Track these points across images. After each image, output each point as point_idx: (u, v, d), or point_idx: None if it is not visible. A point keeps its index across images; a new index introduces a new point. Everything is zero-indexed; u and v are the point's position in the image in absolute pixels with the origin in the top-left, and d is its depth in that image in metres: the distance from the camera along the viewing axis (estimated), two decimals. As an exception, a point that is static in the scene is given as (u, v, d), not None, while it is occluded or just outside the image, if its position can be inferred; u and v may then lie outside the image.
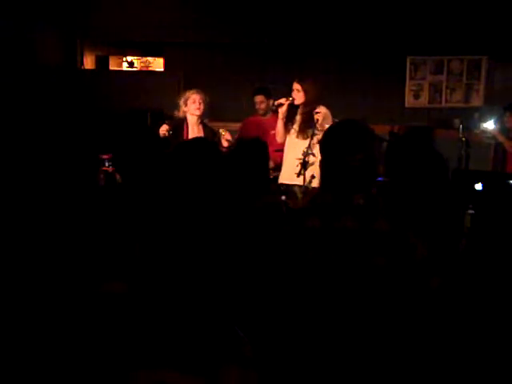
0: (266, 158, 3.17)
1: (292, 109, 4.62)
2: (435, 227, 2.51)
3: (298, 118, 4.62)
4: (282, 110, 4.61)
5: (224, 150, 4.55)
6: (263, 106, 5.81)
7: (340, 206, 1.84)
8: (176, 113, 4.75)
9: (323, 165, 1.92)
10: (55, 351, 2.01)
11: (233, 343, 1.85)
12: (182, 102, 4.71)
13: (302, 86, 4.55)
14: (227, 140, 4.63)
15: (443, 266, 2.06)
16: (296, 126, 4.62)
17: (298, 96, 4.56)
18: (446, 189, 2.64)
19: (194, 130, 4.68)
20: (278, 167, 4.88)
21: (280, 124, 4.66)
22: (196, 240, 2.03)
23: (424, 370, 1.81)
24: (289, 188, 4.60)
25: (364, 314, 1.76)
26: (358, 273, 1.76)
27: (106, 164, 4.13)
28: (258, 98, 5.86)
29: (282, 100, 4.61)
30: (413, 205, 2.55)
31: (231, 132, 5.13)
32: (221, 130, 4.70)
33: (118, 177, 4.10)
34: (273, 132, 5.63)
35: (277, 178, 4.76)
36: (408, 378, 1.76)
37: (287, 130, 4.65)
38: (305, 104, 4.56)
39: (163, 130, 4.58)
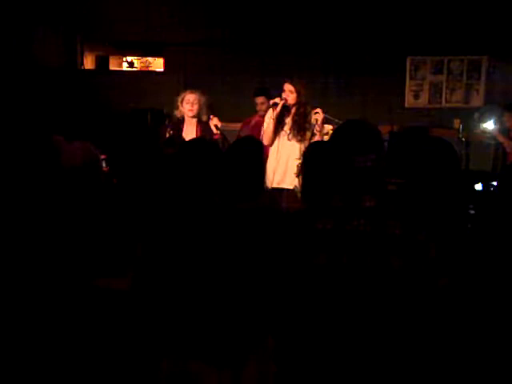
0: (261, 156, 3.16)
1: (282, 111, 4.56)
2: (441, 227, 2.51)
3: (290, 119, 4.56)
4: (277, 111, 4.53)
5: (215, 137, 4.55)
6: (264, 106, 5.80)
7: (350, 208, 1.83)
8: (176, 112, 4.76)
9: (325, 165, 1.91)
10: (57, 345, 2.01)
11: (254, 336, 1.84)
12: (179, 102, 4.72)
13: (294, 86, 4.51)
14: (215, 125, 4.60)
15: (452, 266, 2.06)
16: (287, 128, 4.55)
17: (291, 97, 4.51)
18: (452, 189, 2.62)
19: (188, 129, 4.67)
20: None
21: (271, 125, 4.55)
22: (198, 238, 2.03)
23: (432, 366, 1.81)
24: (288, 189, 4.58)
25: (377, 313, 1.77)
26: (371, 273, 1.76)
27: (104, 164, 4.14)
28: (259, 99, 5.84)
29: (277, 99, 4.55)
30: (421, 205, 2.55)
31: (231, 132, 5.13)
32: (210, 116, 4.67)
33: (114, 179, 4.09)
34: None
35: None
36: (420, 373, 1.77)
37: (277, 132, 4.56)
38: (298, 105, 4.52)
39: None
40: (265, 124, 4.70)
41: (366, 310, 1.77)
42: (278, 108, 4.53)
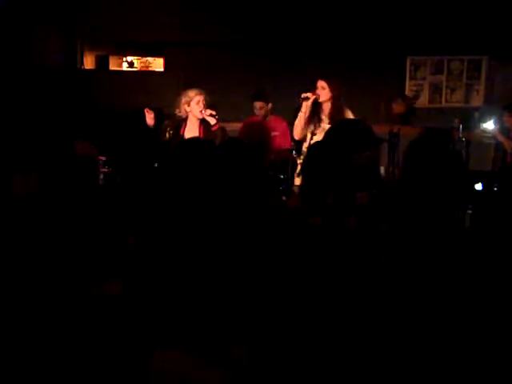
0: (253, 157, 3.13)
1: (316, 108, 4.59)
2: (437, 227, 2.51)
3: (326, 116, 4.58)
4: (308, 104, 4.54)
5: (215, 128, 4.53)
6: (263, 111, 5.77)
7: (344, 206, 1.84)
8: (177, 111, 4.70)
9: (323, 163, 1.92)
10: (54, 350, 2.01)
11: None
12: (183, 102, 4.66)
13: (327, 82, 4.58)
14: (211, 115, 4.56)
15: (444, 267, 2.06)
16: (325, 124, 4.54)
17: (323, 93, 4.58)
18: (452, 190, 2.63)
19: (191, 129, 4.65)
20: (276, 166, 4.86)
21: (302, 118, 4.57)
22: (193, 237, 2.02)
23: (424, 368, 1.81)
24: (289, 188, 4.60)
25: (367, 311, 1.77)
26: (360, 271, 1.77)
27: (104, 166, 4.15)
28: (258, 104, 5.80)
29: (309, 94, 4.56)
30: (418, 205, 2.55)
31: (231, 132, 5.11)
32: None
33: (117, 178, 4.09)
34: (274, 133, 5.64)
35: (275, 176, 4.74)
36: (410, 374, 1.77)
37: (311, 129, 4.58)
38: (333, 101, 4.57)
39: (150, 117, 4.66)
40: (297, 119, 4.70)
41: (356, 308, 1.77)
42: (310, 102, 4.55)
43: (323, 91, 4.57)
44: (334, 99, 4.58)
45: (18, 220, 2.38)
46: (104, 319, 2.10)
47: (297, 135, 4.66)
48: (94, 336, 2.09)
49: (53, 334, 2.12)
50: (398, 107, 6.65)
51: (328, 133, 2.06)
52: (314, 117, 4.59)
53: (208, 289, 1.95)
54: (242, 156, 2.72)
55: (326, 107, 4.60)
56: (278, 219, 1.95)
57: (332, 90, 4.57)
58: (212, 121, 4.56)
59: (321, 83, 4.59)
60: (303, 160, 4.33)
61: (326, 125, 4.54)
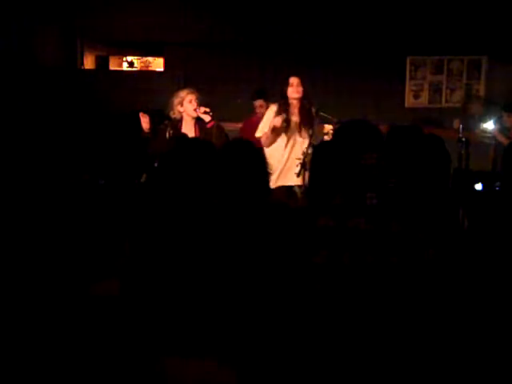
0: (259, 158, 3.14)
1: (284, 108, 4.53)
2: (436, 227, 2.51)
3: (297, 116, 4.52)
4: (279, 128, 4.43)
5: (209, 125, 4.51)
6: (263, 109, 5.77)
7: (353, 206, 1.84)
8: (171, 113, 4.71)
9: (331, 164, 1.92)
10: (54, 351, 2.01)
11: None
12: (176, 103, 4.66)
13: (300, 79, 4.53)
14: (205, 112, 4.55)
15: (449, 265, 2.06)
16: (295, 126, 4.50)
17: (299, 90, 4.51)
18: (444, 188, 2.63)
19: (187, 129, 4.64)
20: None
21: (269, 134, 4.47)
22: (191, 237, 2.02)
23: (430, 366, 1.81)
24: (289, 188, 4.57)
25: (377, 311, 1.77)
26: (371, 272, 1.77)
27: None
28: (258, 103, 5.82)
29: (277, 122, 4.41)
30: (415, 204, 2.55)
31: (231, 132, 5.11)
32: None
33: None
34: None
35: None
36: (417, 372, 1.77)
37: (279, 133, 4.49)
38: (303, 98, 4.52)
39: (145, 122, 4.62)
40: (261, 124, 4.64)
41: (365, 309, 1.77)
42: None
43: (298, 88, 4.50)
44: (303, 98, 4.53)
45: (18, 220, 2.38)
46: (103, 319, 2.09)
47: (265, 144, 4.45)
48: (91, 335, 2.09)
49: (50, 333, 2.12)
50: (474, 108, 6.43)
51: (336, 133, 2.07)
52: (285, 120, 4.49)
53: (210, 289, 1.95)
54: (246, 156, 2.72)
55: (296, 105, 4.53)
56: (283, 219, 1.95)
57: (303, 87, 4.53)
58: (206, 118, 4.56)
59: (295, 80, 4.52)
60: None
61: (294, 126, 4.47)
